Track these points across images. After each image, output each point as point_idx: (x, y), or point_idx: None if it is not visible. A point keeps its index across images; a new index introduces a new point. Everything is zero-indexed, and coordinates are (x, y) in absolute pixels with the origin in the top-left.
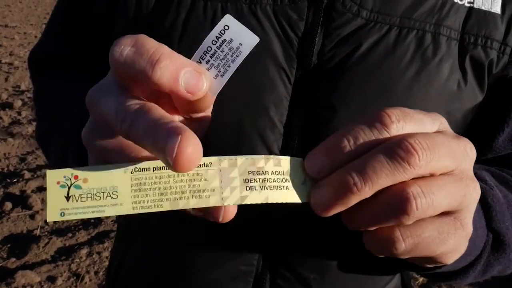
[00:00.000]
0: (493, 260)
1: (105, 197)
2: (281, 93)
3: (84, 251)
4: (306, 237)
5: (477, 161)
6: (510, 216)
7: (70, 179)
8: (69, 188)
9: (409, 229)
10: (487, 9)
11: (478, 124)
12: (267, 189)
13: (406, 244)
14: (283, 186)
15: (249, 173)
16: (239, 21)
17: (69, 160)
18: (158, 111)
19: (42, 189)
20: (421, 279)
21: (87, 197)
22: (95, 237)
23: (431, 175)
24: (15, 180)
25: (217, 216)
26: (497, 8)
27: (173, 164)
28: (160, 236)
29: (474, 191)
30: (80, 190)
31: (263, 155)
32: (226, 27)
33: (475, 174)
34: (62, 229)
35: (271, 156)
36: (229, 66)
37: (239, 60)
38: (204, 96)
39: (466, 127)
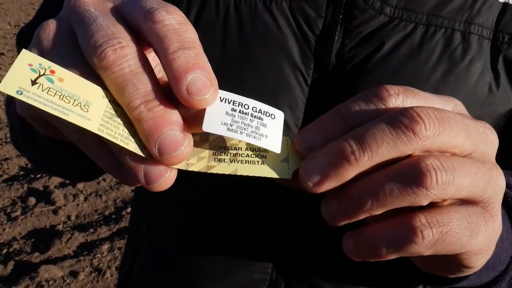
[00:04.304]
0: None
1: (75, 104)
2: (297, 95)
3: (105, 247)
4: (322, 247)
5: (504, 167)
6: None
7: (45, 69)
8: (39, 75)
9: (435, 215)
10: None
11: (509, 128)
12: (237, 162)
13: (433, 232)
14: (257, 161)
15: (220, 148)
16: (252, 18)
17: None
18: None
19: (64, 184)
20: None
21: (55, 94)
22: (116, 232)
23: (443, 153)
24: (38, 176)
25: (154, 177)
26: None
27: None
28: (169, 241)
29: (499, 178)
30: (52, 84)
31: None
32: (273, 116)
33: None
34: (84, 224)
35: None
36: (240, 133)
37: (249, 140)
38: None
39: (497, 133)
